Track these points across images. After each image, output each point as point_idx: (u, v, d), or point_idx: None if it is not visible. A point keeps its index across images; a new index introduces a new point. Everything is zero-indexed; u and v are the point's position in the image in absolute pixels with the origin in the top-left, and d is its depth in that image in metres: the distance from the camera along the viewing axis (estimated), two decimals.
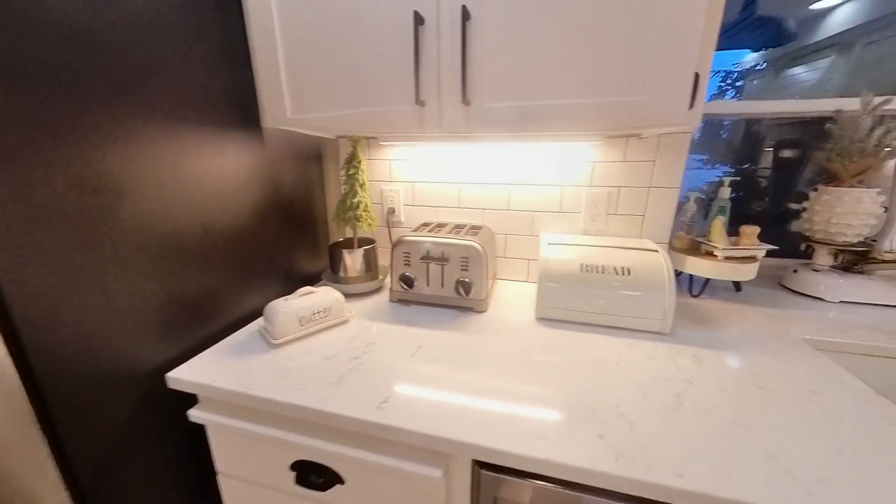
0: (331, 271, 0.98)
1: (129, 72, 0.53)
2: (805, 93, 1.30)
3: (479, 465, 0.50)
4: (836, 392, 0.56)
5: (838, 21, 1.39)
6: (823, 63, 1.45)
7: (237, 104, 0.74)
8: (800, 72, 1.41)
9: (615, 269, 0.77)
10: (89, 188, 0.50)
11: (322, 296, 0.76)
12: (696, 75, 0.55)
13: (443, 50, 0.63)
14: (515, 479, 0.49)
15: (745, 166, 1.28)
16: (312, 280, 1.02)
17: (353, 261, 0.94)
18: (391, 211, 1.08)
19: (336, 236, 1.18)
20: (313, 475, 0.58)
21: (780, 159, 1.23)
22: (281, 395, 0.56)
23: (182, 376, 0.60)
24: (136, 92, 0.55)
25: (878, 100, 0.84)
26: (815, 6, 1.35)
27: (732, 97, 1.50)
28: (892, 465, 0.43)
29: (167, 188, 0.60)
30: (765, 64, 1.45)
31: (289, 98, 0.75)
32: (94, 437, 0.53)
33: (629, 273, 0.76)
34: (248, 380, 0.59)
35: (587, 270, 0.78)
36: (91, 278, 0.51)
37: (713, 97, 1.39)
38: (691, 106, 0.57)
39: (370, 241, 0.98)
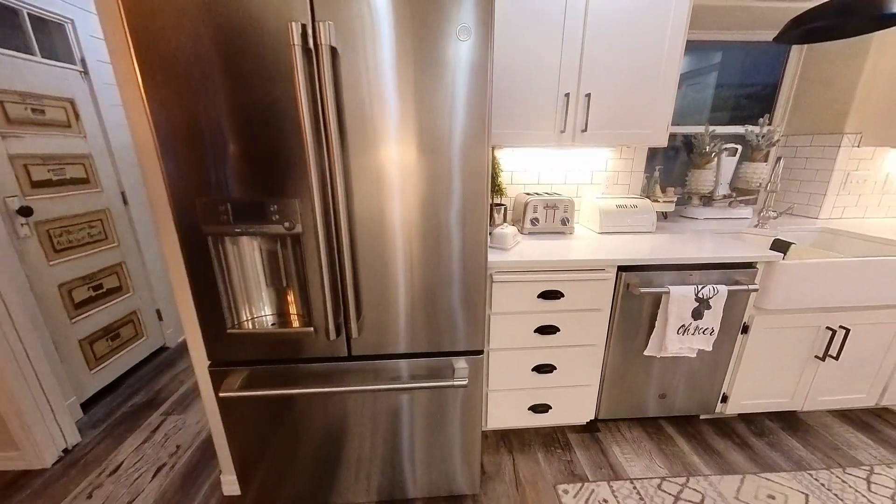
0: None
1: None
2: None
3: (619, 269, 1.33)
4: (715, 236, 1.56)
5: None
6: None
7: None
8: None
9: (630, 205, 1.68)
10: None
11: (508, 228, 1.48)
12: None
13: (578, 106, 1.43)
14: (633, 273, 1.33)
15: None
16: None
17: (498, 214, 1.65)
18: (500, 189, 1.81)
19: None
20: (550, 295, 1.32)
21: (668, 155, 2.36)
22: (542, 255, 1.29)
23: (498, 259, 1.27)
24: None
25: (711, 128, 1.94)
26: None
27: None
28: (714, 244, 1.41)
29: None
30: None
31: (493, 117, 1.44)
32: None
33: (636, 207, 1.68)
34: (522, 259, 1.30)
35: (619, 207, 1.67)
36: None
37: None
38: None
39: (501, 204, 1.71)
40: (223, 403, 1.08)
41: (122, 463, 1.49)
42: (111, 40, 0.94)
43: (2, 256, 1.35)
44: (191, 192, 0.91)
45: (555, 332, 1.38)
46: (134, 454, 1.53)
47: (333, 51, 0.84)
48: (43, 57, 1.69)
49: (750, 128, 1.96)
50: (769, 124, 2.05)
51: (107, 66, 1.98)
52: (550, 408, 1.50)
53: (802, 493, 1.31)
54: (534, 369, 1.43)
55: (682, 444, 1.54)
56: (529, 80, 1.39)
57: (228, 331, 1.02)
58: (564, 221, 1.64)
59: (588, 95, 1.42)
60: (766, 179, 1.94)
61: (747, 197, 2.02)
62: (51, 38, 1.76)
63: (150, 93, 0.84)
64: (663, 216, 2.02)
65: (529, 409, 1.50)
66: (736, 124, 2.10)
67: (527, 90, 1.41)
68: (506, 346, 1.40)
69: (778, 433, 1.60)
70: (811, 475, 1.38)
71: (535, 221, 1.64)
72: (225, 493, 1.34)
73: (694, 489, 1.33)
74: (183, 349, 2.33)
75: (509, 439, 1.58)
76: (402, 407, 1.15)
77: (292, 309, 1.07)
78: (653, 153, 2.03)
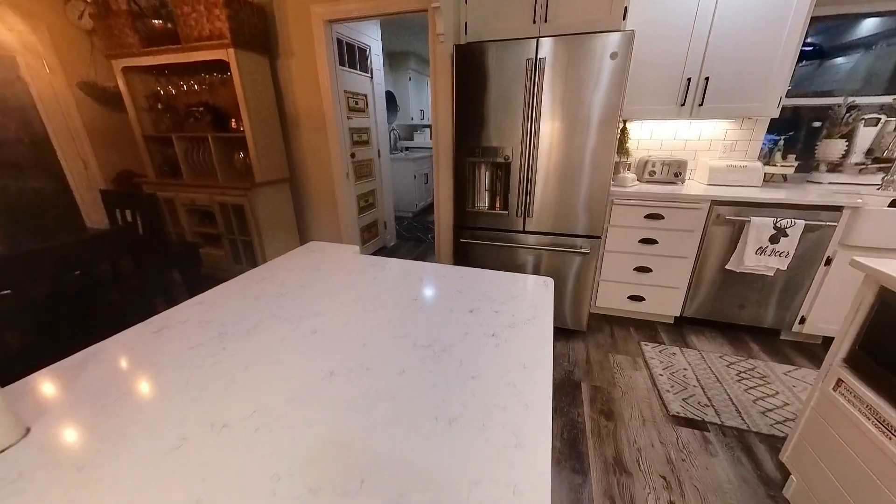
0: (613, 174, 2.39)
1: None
2: (842, 76, 2.28)
3: (712, 203, 1.91)
4: (811, 189, 1.93)
5: (866, 27, 2.55)
6: (855, 57, 2.61)
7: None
8: (840, 61, 2.32)
9: (740, 166, 2.14)
10: None
11: (629, 174, 2.17)
12: None
13: (698, 87, 2.00)
14: (723, 207, 1.89)
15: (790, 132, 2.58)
16: None
17: (623, 168, 2.34)
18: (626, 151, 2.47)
19: None
20: (654, 217, 2.00)
21: (811, 126, 2.52)
22: (652, 191, 1.98)
23: (618, 190, 2.03)
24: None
25: (849, 99, 2.14)
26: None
27: None
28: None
29: None
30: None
31: (627, 97, 2.14)
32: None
33: (746, 167, 2.12)
34: (633, 192, 2.01)
35: (729, 167, 2.15)
36: None
37: None
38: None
39: (627, 162, 2.38)
40: (458, 246, 2.18)
41: None
42: (437, 71, 2.03)
43: (348, 178, 2.78)
44: (464, 143, 1.96)
45: (654, 244, 2.06)
46: None
47: (544, 70, 1.73)
48: (358, 70, 3.09)
49: None
50: None
51: (378, 72, 3.36)
52: (644, 299, 2.19)
53: None
54: (635, 269, 2.14)
55: (753, 346, 2.03)
56: (658, 69, 2.03)
57: (467, 210, 2.09)
58: (677, 174, 2.23)
59: (707, 78, 1.97)
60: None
61: (885, 165, 2.15)
62: (358, 57, 3.17)
63: (458, 97, 1.89)
64: (783, 178, 2.33)
65: (628, 297, 2.21)
66: None
67: (655, 77, 2.05)
68: (617, 250, 2.14)
69: None
70: None
71: (652, 173, 2.27)
72: None
73: (749, 364, 1.87)
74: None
75: (610, 320, 2.33)
76: (550, 262, 2.06)
77: (497, 203, 2.07)
78: (790, 123, 2.33)
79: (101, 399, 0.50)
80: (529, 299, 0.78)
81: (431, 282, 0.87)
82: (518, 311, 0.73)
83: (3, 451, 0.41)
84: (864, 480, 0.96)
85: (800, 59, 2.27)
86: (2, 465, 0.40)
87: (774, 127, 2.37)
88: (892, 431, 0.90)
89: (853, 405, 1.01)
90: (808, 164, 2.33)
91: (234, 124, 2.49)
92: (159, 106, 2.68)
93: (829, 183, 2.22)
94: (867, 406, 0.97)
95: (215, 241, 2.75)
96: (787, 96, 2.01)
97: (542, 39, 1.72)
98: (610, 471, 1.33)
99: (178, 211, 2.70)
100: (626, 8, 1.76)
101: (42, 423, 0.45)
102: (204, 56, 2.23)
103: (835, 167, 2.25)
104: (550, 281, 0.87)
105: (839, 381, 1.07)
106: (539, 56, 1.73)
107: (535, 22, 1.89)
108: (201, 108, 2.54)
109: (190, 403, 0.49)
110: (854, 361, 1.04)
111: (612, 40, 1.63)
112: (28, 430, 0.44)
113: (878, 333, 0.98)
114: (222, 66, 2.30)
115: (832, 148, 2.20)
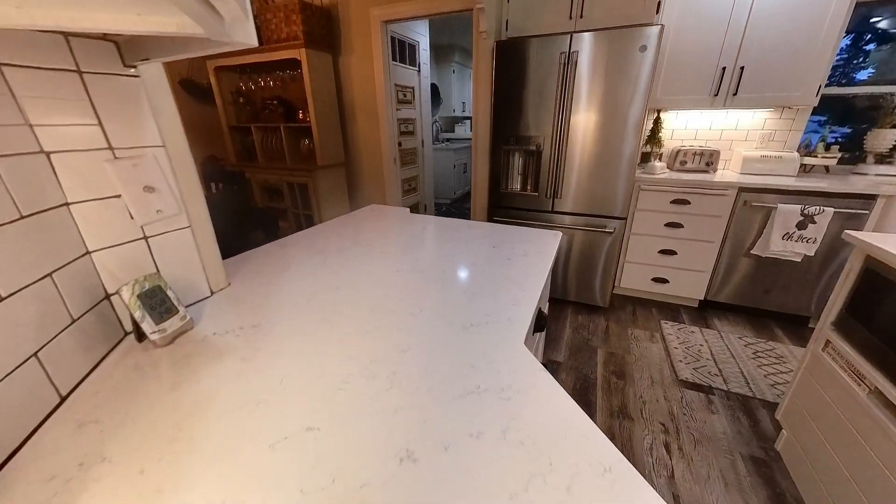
0: (642, 163, 2.49)
1: None
2: None
3: (740, 189, 1.98)
4: (849, 181, 1.93)
5: None
6: None
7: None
8: None
9: (775, 157, 2.16)
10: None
11: (658, 163, 2.27)
12: None
13: (732, 77, 2.06)
14: (751, 193, 1.95)
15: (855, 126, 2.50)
16: None
17: (654, 157, 2.43)
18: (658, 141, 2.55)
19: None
20: (680, 202, 2.10)
21: (867, 114, 2.44)
22: (680, 178, 2.08)
23: (646, 177, 2.15)
24: None
25: None
26: None
27: (860, 61, 2.26)
28: None
29: None
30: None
31: (661, 88, 2.23)
32: None
33: (781, 158, 2.14)
34: (661, 178, 2.12)
35: (764, 157, 2.18)
36: None
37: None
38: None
39: (659, 152, 2.47)
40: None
41: None
42: (479, 65, 2.26)
43: (395, 164, 3.10)
44: (500, 132, 2.18)
45: (680, 228, 2.15)
46: None
47: (576, 63, 1.90)
48: (407, 64, 3.38)
49: None
50: None
51: (425, 66, 3.63)
52: (668, 282, 2.29)
53: None
54: (659, 251, 2.25)
55: (777, 331, 2.08)
56: (692, 59, 2.11)
57: (500, 191, 2.31)
58: (708, 164, 2.29)
59: (742, 68, 2.02)
60: None
61: None
62: (408, 52, 3.46)
63: (497, 90, 2.11)
64: (825, 170, 2.30)
65: (652, 279, 2.33)
66: None
67: (689, 67, 2.13)
68: (642, 233, 2.26)
69: None
70: None
71: (683, 163, 2.35)
72: None
73: (769, 346, 1.94)
74: None
75: (633, 301, 2.45)
76: (578, 241, 2.24)
77: (528, 185, 2.27)
78: (844, 113, 2.29)
79: (261, 276, 0.81)
80: (539, 243, 1.00)
81: (466, 230, 1.12)
82: (529, 248, 0.96)
83: (223, 289, 0.73)
84: (841, 427, 1.09)
85: (881, 43, 2.19)
86: (226, 296, 0.72)
87: (830, 118, 2.34)
88: (865, 382, 1.02)
89: (836, 362, 1.13)
90: (858, 156, 2.28)
91: (301, 115, 2.89)
92: (241, 100, 3.14)
93: (876, 174, 2.17)
94: (846, 361, 1.09)
95: (282, 214, 3.19)
96: (860, 84, 2.00)
97: (575, 34, 1.89)
98: (614, 416, 1.53)
99: (253, 188, 3.18)
100: (659, 2, 1.88)
101: (235, 281, 0.77)
102: (281, 56, 2.62)
103: (883, 158, 2.19)
104: (559, 233, 1.08)
105: (827, 342, 1.18)
106: (572, 50, 1.90)
107: (570, 17, 2.05)
108: (275, 102, 2.96)
109: (316, 278, 0.79)
110: (840, 323, 1.15)
111: (643, 34, 1.77)
112: (229, 283, 0.76)
113: (862, 298, 1.09)
114: (294, 63, 2.69)
115: (881, 138, 2.14)
